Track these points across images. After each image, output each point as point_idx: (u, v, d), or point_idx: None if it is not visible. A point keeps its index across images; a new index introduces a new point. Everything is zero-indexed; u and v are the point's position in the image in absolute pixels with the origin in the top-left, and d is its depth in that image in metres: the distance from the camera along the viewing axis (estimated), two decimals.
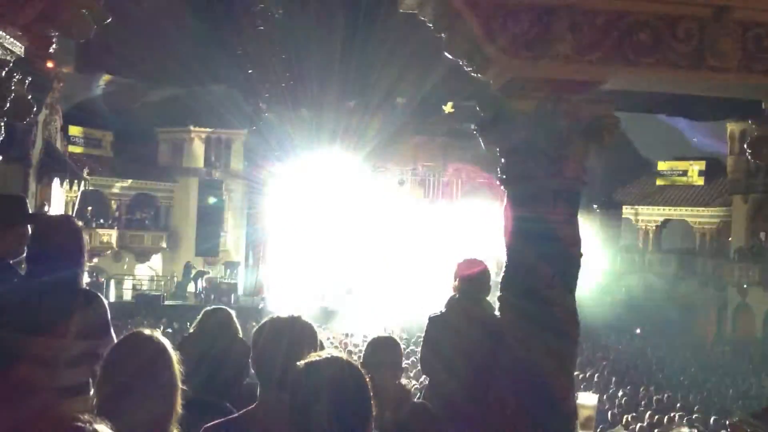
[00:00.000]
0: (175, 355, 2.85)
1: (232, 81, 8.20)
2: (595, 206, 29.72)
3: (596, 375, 15.90)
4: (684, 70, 3.98)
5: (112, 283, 27.81)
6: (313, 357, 2.59)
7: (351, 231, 34.21)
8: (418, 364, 8.58)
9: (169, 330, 18.36)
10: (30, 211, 4.71)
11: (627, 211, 32.68)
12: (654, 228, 33.94)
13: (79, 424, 2.08)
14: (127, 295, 28.33)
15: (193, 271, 29.59)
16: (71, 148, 28.87)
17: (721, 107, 6.66)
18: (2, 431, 2.21)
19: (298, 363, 2.53)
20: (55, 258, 3.75)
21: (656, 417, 11.64)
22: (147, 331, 2.91)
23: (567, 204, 4.03)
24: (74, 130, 29.29)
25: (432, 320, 4.87)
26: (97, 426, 2.10)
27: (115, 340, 3.76)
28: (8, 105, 3.74)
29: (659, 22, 3.93)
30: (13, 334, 3.56)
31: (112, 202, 30.68)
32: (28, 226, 4.01)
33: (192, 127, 31.38)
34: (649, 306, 31.05)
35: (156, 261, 31.72)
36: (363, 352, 4.44)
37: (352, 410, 2.46)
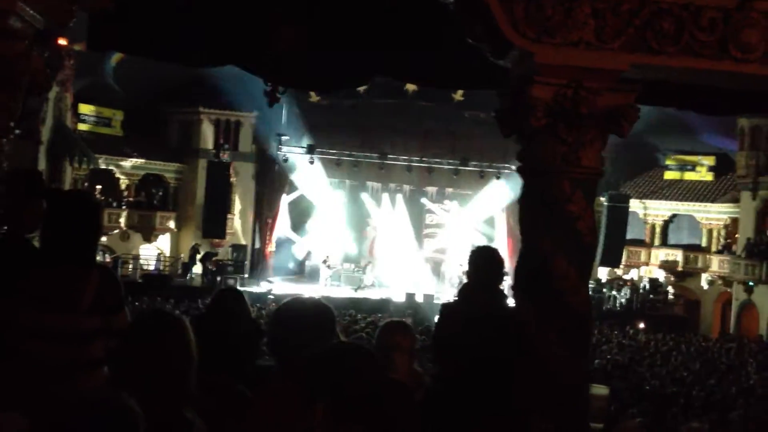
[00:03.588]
0: (191, 334, 2.85)
1: (245, 61, 8.16)
2: (603, 199, 29.63)
3: (599, 367, 15.91)
4: (706, 60, 3.95)
5: (119, 262, 27.88)
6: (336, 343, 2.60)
7: (359, 217, 34.29)
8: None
9: (176, 311, 18.40)
10: (45, 186, 4.72)
11: (635, 204, 32.58)
12: (661, 222, 33.87)
13: (106, 396, 2.09)
14: (134, 275, 28.41)
15: (200, 253, 29.67)
16: (81, 126, 28.90)
17: (736, 102, 6.59)
18: (23, 407, 2.22)
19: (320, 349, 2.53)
20: (70, 233, 3.75)
21: (658, 412, 11.65)
22: (166, 310, 2.91)
23: (584, 193, 4.02)
24: (84, 108, 29.30)
25: (444, 308, 4.86)
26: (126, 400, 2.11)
27: (129, 317, 3.79)
28: (27, 79, 3.73)
29: (683, 11, 3.90)
30: (29, 310, 3.58)
31: (121, 181, 30.72)
32: (44, 200, 4.01)
33: (202, 108, 31.38)
34: (654, 300, 31.03)
35: (163, 241, 31.80)
36: (375, 337, 4.44)
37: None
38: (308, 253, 34.27)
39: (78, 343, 3.66)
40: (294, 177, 32.68)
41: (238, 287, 25.07)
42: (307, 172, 32.14)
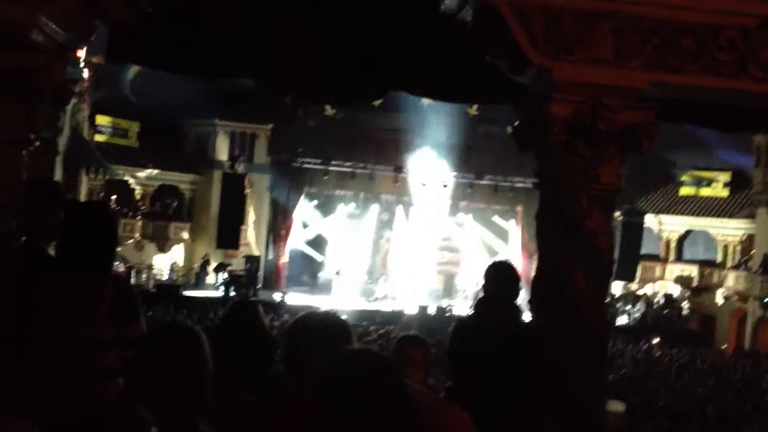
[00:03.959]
0: (207, 346, 2.86)
1: (262, 75, 8.21)
2: (618, 214, 29.54)
3: (613, 381, 15.81)
4: (726, 79, 3.94)
5: (133, 272, 27.99)
6: (346, 350, 2.60)
7: (372, 229, 34.33)
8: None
9: (189, 321, 18.43)
10: (63, 196, 4.75)
11: (650, 219, 32.44)
12: (676, 238, 33.72)
13: (123, 408, 2.10)
14: (148, 285, 28.51)
15: (211, 264, 29.76)
16: (98, 137, 29.09)
17: (753, 119, 6.57)
18: (41, 415, 2.22)
19: (335, 355, 2.53)
20: (87, 243, 3.78)
21: (672, 428, 11.56)
22: (181, 321, 2.92)
23: (602, 210, 4.01)
24: (101, 120, 29.51)
25: (460, 322, 4.85)
26: (140, 411, 2.12)
27: (144, 327, 3.81)
28: (48, 92, 3.76)
29: (703, 29, 3.89)
30: (46, 319, 3.60)
31: (136, 192, 30.88)
32: (61, 210, 4.04)
33: (218, 120, 31.55)
34: (669, 315, 30.86)
35: (177, 252, 31.91)
36: (390, 350, 4.44)
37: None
38: (322, 265, 34.32)
39: (93, 352, 3.67)
40: (309, 190, 32.83)
41: (252, 298, 25.16)
42: (323, 184, 32.27)
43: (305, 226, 34.24)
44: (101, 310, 3.66)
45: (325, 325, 3.17)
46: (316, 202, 33.99)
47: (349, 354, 2.57)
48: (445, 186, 32.34)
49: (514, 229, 34.68)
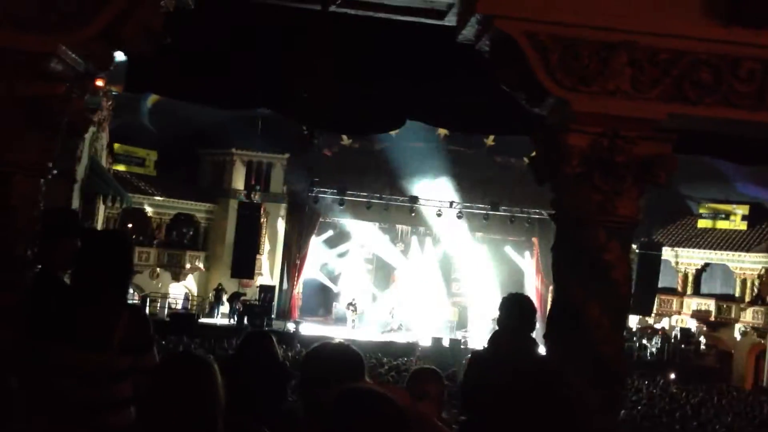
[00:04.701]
0: (220, 378, 2.84)
1: (279, 105, 8.29)
2: (635, 246, 29.37)
3: (629, 418, 15.60)
4: (744, 111, 3.92)
5: (147, 300, 28.03)
6: (350, 386, 2.58)
7: (387, 260, 34.30)
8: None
9: (202, 350, 18.41)
10: (79, 225, 4.77)
11: (667, 252, 32.21)
12: (694, 271, 33.45)
13: None
14: (162, 313, 28.53)
15: (226, 293, 29.78)
16: (115, 166, 29.31)
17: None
18: None
19: (335, 390, 2.52)
20: (103, 272, 3.78)
21: None
22: (194, 352, 2.91)
23: (620, 242, 3.97)
24: (119, 148, 29.76)
25: (474, 355, 4.81)
26: None
27: (157, 357, 3.80)
28: (66, 121, 3.79)
29: (720, 61, 3.88)
30: (60, 348, 3.59)
31: (153, 220, 31.02)
32: (78, 239, 4.05)
33: (234, 150, 31.75)
34: (686, 350, 30.53)
35: (192, 281, 31.96)
36: (405, 383, 4.40)
37: None
38: (337, 295, 34.28)
39: (107, 383, 3.66)
40: (325, 220, 32.90)
41: (265, 328, 25.09)
42: (339, 215, 32.33)
43: (320, 256, 34.25)
44: (115, 340, 3.65)
45: (338, 358, 3.16)
46: (331, 232, 34.04)
47: (350, 393, 2.54)
48: (460, 217, 32.27)
49: (529, 260, 34.54)
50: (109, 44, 3.72)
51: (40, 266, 3.93)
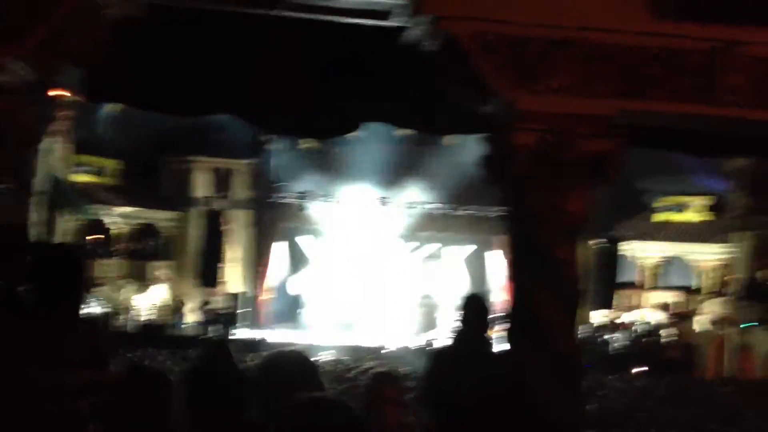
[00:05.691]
0: (172, 391, 2.84)
1: (235, 110, 8.29)
2: (591, 242, 29.61)
3: (595, 413, 15.71)
4: (693, 104, 3.97)
5: (109, 312, 27.68)
6: (304, 396, 2.59)
7: (350, 262, 34.24)
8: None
9: (168, 362, 18.23)
10: (30, 240, 4.71)
11: (624, 247, 32.51)
12: (652, 264, 33.80)
13: None
14: (128, 325, 28.18)
15: (189, 304, 29.55)
16: (75, 176, 28.92)
17: (726, 144, 6.64)
18: None
19: (290, 400, 2.53)
20: (54, 288, 3.74)
21: None
22: (150, 366, 2.91)
23: (570, 240, 4.02)
24: (78, 159, 29.35)
25: (433, 354, 4.84)
26: None
27: (113, 371, 3.76)
28: (14, 132, 3.75)
29: (668, 55, 3.93)
30: (15, 366, 3.54)
31: (114, 231, 30.65)
32: (28, 255, 4.00)
33: (196, 157, 31.50)
34: (647, 344, 30.84)
35: (156, 291, 31.63)
36: (364, 388, 4.40)
37: None
38: (304, 301, 34.12)
39: (62, 399, 3.61)
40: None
41: (230, 336, 24.93)
42: (300, 219, 32.21)
43: (285, 262, 34.09)
44: (68, 356, 3.60)
45: (290, 365, 3.16)
46: (296, 236, 33.88)
47: (305, 402, 2.55)
48: (424, 215, 32.27)
49: (500, 259, 34.65)
50: (55, 55, 3.69)
51: None
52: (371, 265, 34.35)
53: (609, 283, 30.04)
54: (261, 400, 3.24)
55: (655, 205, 34.66)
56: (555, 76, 3.87)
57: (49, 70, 3.83)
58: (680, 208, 33.97)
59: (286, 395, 2.86)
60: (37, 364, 3.56)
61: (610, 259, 30.11)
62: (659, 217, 34.38)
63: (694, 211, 33.57)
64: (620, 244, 31.39)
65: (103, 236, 29.69)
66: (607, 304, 30.71)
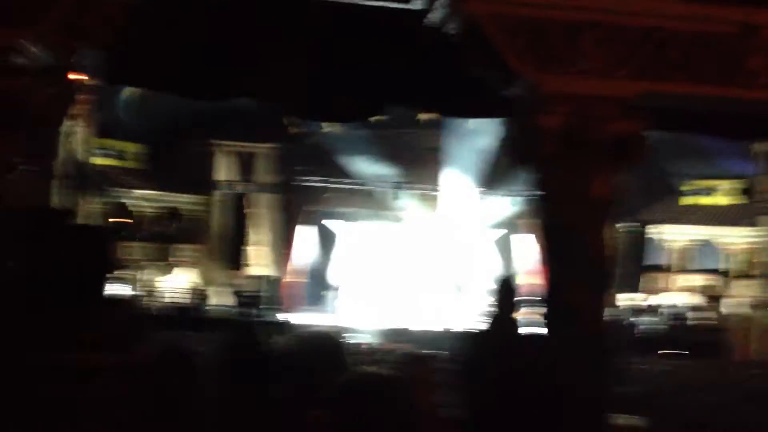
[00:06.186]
0: (207, 372, 2.86)
1: (259, 94, 8.27)
2: (619, 225, 29.39)
3: (624, 396, 15.64)
4: (714, 87, 3.90)
5: (135, 295, 27.90)
6: (353, 373, 2.61)
7: (376, 246, 34.26)
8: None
9: (194, 344, 18.36)
10: (57, 223, 4.72)
11: (652, 230, 32.27)
12: (680, 248, 33.53)
13: None
14: (152, 308, 28.41)
15: (213, 286, 29.73)
16: (97, 160, 29.09)
17: (754, 127, 6.53)
18: None
19: (340, 379, 2.55)
20: (80, 270, 3.75)
21: None
22: (179, 347, 2.93)
23: (595, 221, 3.97)
24: (101, 142, 29.52)
25: (468, 337, 4.83)
26: None
27: (143, 351, 3.77)
28: (31, 114, 3.73)
29: (688, 38, 3.86)
30: (41, 348, 3.56)
31: (138, 214, 30.85)
32: (56, 237, 4.01)
33: (219, 141, 31.59)
34: (675, 327, 30.64)
35: (181, 274, 31.84)
36: (396, 370, 4.40)
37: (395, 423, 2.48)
38: (330, 283, 34.19)
39: (87, 381, 3.62)
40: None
41: (256, 318, 25.08)
42: (324, 202, 32.25)
43: (311, 244, 34.16)
44: (95, 337, 3.62)
45: (322, 348, 3.17)
46: (320, 220, 33.92)
47: (358, 378, 2.56)
48: (452, 199, 32.19)
49: (528, 242, 34.42)
50: (71, 36, 3.67)
51: (11, 264, 3.89)
52: (401, 248, 34.34)
53: (637, 266, 29.85)
54: (291, 379, 3.26)
55: (684, 188, 34.34)
56: (579, 59, 3.80)
57: (64, 52, 3.81)
58: (709, 191, 33.62)
59: (318, 375, 2.88)
60: (59, 346, 3.58)
61: (639, 243, 29.91)
62: (688, 200, 34.07)
63: (722, 195, 33.22)
64: (648, 227, 31.16)
65: (126, 219, 29.89)
66: (635, 288, 30.53)
